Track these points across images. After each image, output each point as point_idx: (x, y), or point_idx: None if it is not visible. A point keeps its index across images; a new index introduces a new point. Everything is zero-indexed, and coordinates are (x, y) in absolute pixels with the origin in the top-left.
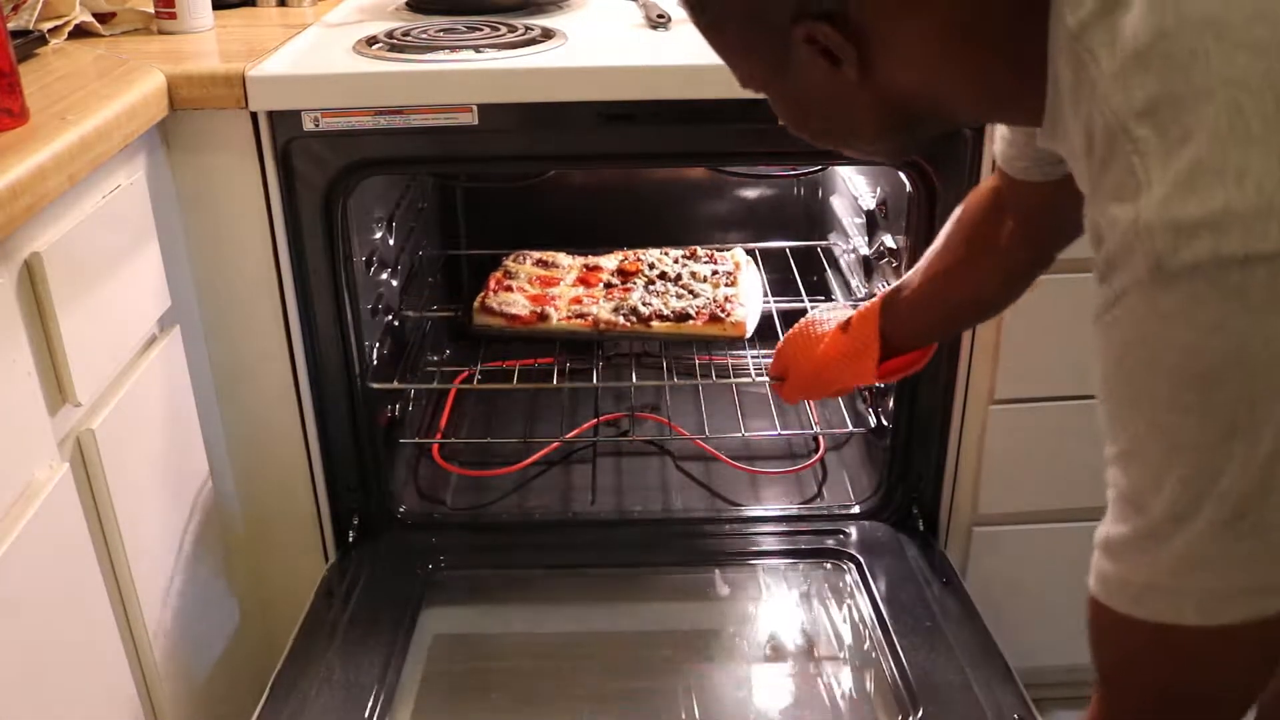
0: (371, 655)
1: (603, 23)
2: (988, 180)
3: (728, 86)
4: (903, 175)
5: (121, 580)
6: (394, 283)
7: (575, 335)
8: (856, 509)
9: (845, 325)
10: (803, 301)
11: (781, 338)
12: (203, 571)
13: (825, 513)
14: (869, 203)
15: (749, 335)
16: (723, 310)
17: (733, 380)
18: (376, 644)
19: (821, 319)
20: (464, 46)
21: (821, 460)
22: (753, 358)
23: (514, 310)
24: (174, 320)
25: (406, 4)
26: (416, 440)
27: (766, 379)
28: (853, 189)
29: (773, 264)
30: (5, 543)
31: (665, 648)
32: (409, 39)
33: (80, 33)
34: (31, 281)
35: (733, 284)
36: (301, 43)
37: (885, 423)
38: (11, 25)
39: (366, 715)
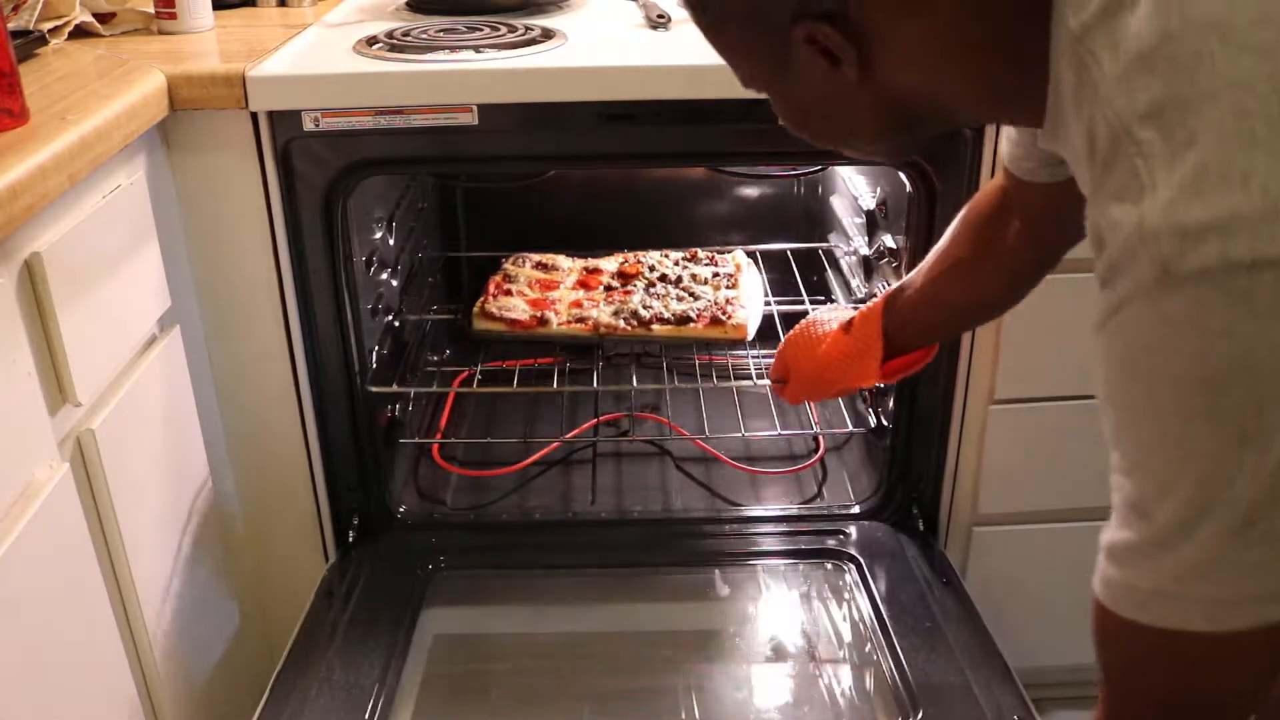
0: (371, 655)
1: (603, 23)
2: (994, 180)
3: (728, 86)
4: (903, 175)
5: (121, 580)
6: (394, 283)
7: (575, 339)
8: (856, 509)
9: (847, 326)
10: (803, 303)
11: (782, 339)
12: (203, 571)
13: (825, 513)
14: (869, 203)
15: (750, 338)
16: (724, 313)
17: (734, 384)
18: (376, 644)
19: (822, 319)
20: (464, 46)
21: (821, 460)
22: (753, 358)
23: (514, 315)
24: (174, 320)
25: (406, 4)
26: (416, 440)
27: (767, 382)
28: (853, 189)
29: (773, 264)
30: (5, 543)
31: (665, 648)
32: (409, 39)
33: (80, 33)
34: (31, 281)
35: (734, 286)
36: (301, 43)
37: (885, 423)
38: (11, 25)
39: (366, 716)
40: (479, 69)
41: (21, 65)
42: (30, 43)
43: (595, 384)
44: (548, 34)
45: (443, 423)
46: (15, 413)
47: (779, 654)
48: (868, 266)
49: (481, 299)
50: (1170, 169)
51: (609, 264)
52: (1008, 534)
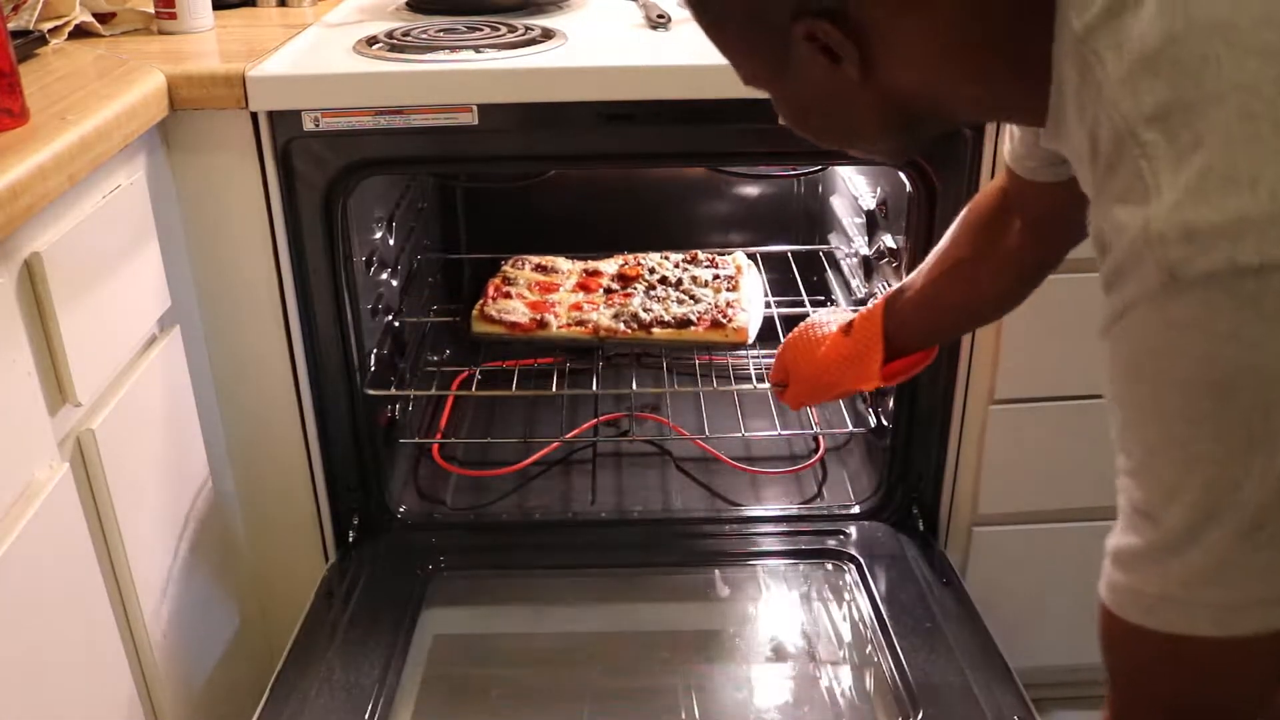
0: (371, 656)
1: (603, 23)
2: (995, 180)
3: (728, 86)
4: (903, 175)
5: (121, 580)
6: (394, 283)
7: (575, 343)
8: (856, 509)
9: (847, 328)
10: (804, 305)
11: (782, 342)
12: (202, 572)
13: (825, 513)
14: (869, 203)
15: (751, 341)
16: (724, 316)
17: (734, 387)
18: (376, 644)
19: (822, 322)
20: (464, 46)
21: (821, 460)
22: (753, 359)
23: (513, 318)
24: (174, 320)
25: (406, 4)
26: (416, 440)
27: (768, 386)
28: (853, 189)
29: (773, 265)
30: (5, 543)
31: (665, 648)
32: (409, 39)
33: (80, 33)
34: (31, 281)
35: (734, 289)
36: (301, 43)
37: (885, 423)
38: (11, 25)
39: (366, 716)
40: (479, 69)
41: (21, 65)
42: (30, 43)
43: (595, 387)
44: (548, 34)
45: (443, 423)
46: (15, 413)
47: (779, 654)
48: (868, 267)
49: (480, 302)
50: (1175, 171)
51: (609, 266)
52: (1008, 534)
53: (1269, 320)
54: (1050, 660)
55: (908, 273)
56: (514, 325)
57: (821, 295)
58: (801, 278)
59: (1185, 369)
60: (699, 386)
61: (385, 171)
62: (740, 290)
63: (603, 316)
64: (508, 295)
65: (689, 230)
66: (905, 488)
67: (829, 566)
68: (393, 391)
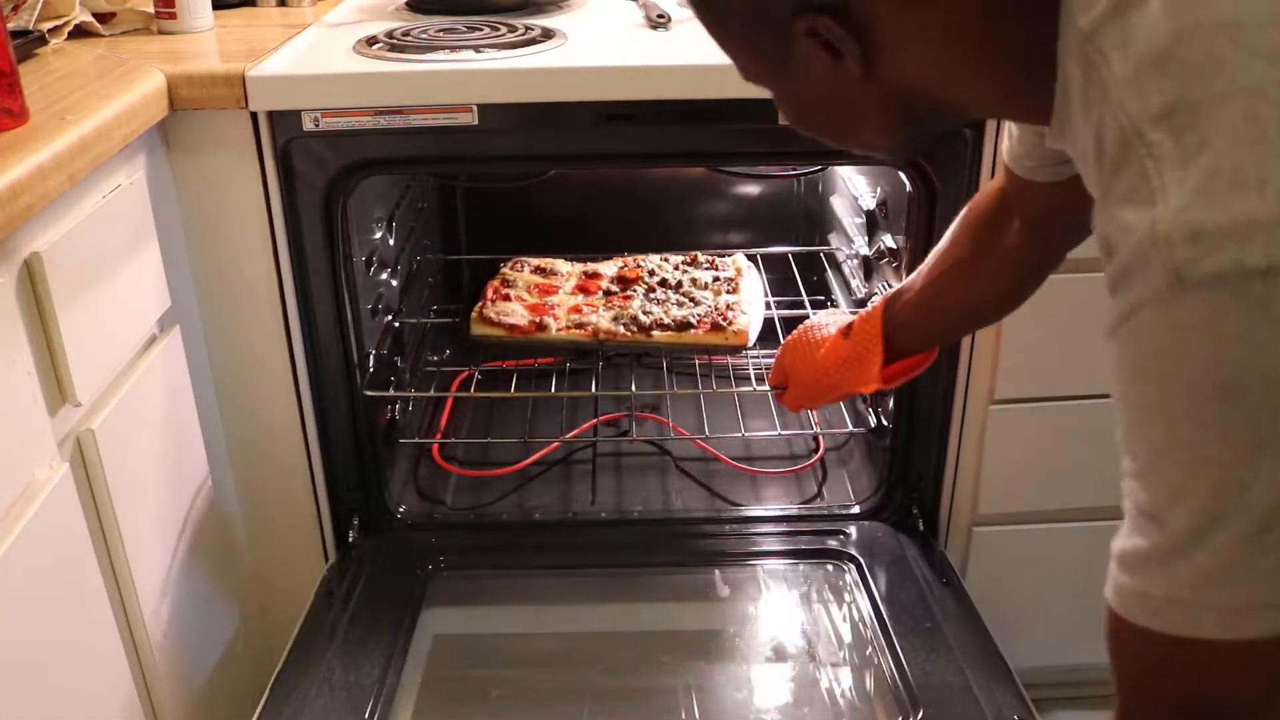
0: (371, 656)
1: (603, 23)
2: (994, 181)
3: (728, 86)
4: (903, 175)
5: (121, 580)
6: (394, 283)
7: (575, 346)
8: (856, 509)
9: (846, 330)
10: (805, 307)
11: (781, 344)
12: (202, 572)
13: (825, 513)
14: (869, 203)
15: (751, 344)
16: (725, 318)
17: (734, 389)
18: (376, 644)
19: (821, 324)
20: (464, 46)
21: (821, 460)
22: (753, 360)
23: (512, 320)
24: (174, 320)
25: (406, 4)
26: (416, 440)
27: (768, 389)
28: (853, 189)
29: (773, 265)
30: (5, 543)
31: (665, 648)
32: (409, 39)
33: (80, 33)
34: (31, 281)
35: (734, 291)
36: (301, 43)
37: (885, 423)
38: (11, 25)
39: (366, 716)
40: (479, 69)
41: (21, 65)
42: (30, 43)
43: (595, 389)
44: (548, 34)
45: (443, 423)
46: (15, 413)
47: (779, 654)
48: (868, 267)
49: (479, 304)
50: (1182, 172)
51: (608, 268)
52: (1008, 534)
53: (1276, 322)
54: (1050, 660)
55: (908, 273)
56: (513, 328)
57: (821, 295)
58: (801, 278)
59: (1192, 371)
60: (699, 388)
61: (385, 171)
62: (740, 293)
63: (602, 319)
64: (506, 298)
65: (689, 230)
66: (905, 488)
67: (829, 566)
68: (392, 393)
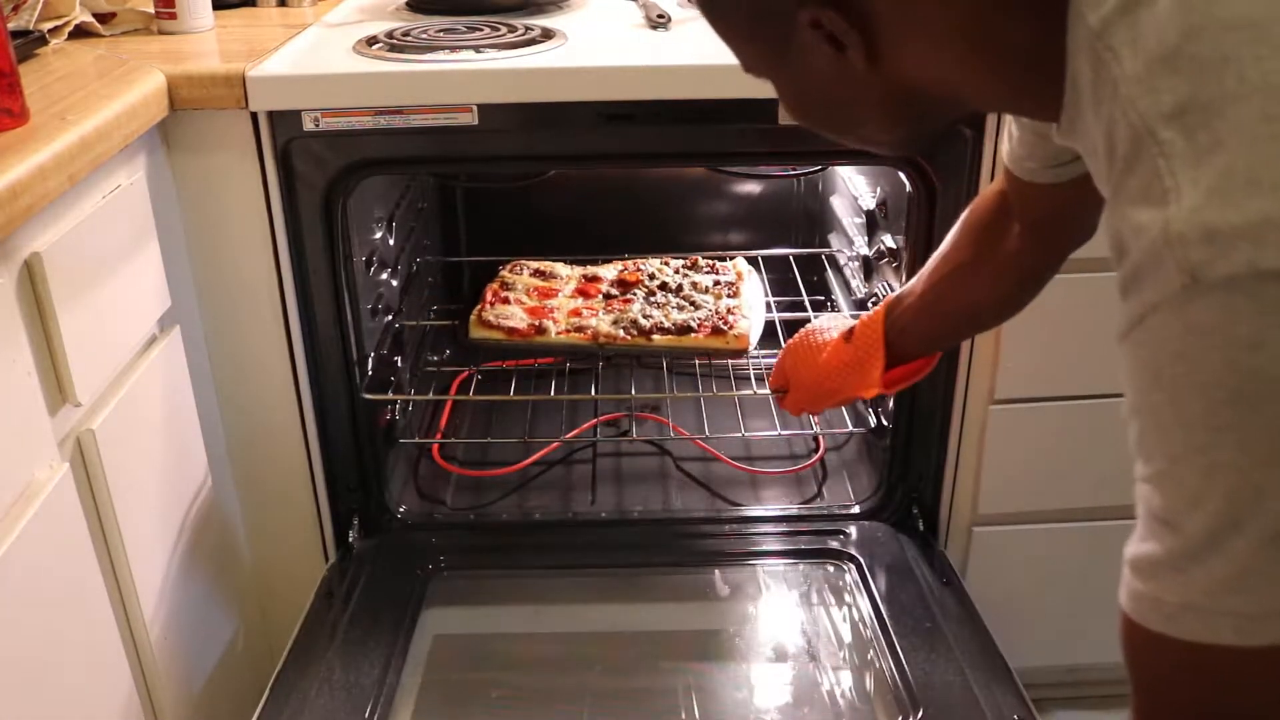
0: (372, 656)
1: (603, 23)
2: (993, 184)
3: (728, 86)
4: (902, 175)
5: (121, 580)
6: (394, 283)
7: (574, 349)
8: (856, 509)
9: (848, 334)
10: (806, 310)
11: (783, 347)
12: (203, 572)
13: (825, 513)
14: (869, 203)
15: (752, 348)
16: (725, 322)
17: (734, 393)
18: (377, 644)
19: (823, 328)
20: (464, 46)
21: (821, 460)
22: (752, 360)
23: (511, 323)
24: (174, 320)
25: (406, 4)
26: (416, 440)
27: (768, 392)
28: (853, 189)
29: (773, 265)
30: (5, 543)
31: (665, 648)
32: (409, 39)
33: (80, 33)
34: (31, 281)
35: (735, 295)
36: (301, 43)
37: (885, 423)
38: (11, 25)
39: (366, 716)
40: (479, 69)
41: (21, 65)
42: (30, 43)
43: (595, 391)
44: (548, 34)
45: (443, 423)
46: (15, 413)
47: (779, 654)
48: (868, 267)
49: (479, 307)
50: (1194, 171)
51: (608, 272)
52: (1008, 534)
53: None
54: (1050, 660)
55: (908, 273)
56: (512, 331)
57: (821, 295)
58: (801, 278)
59: (1206, 375)
60: (699, 392)
61: (385, 171)
62: (741, 296)
63: (602, 322)
64: (505, 300)
65: (689, 230)
66: (905, 488)
67: (829, 567)
68: (391, 396)
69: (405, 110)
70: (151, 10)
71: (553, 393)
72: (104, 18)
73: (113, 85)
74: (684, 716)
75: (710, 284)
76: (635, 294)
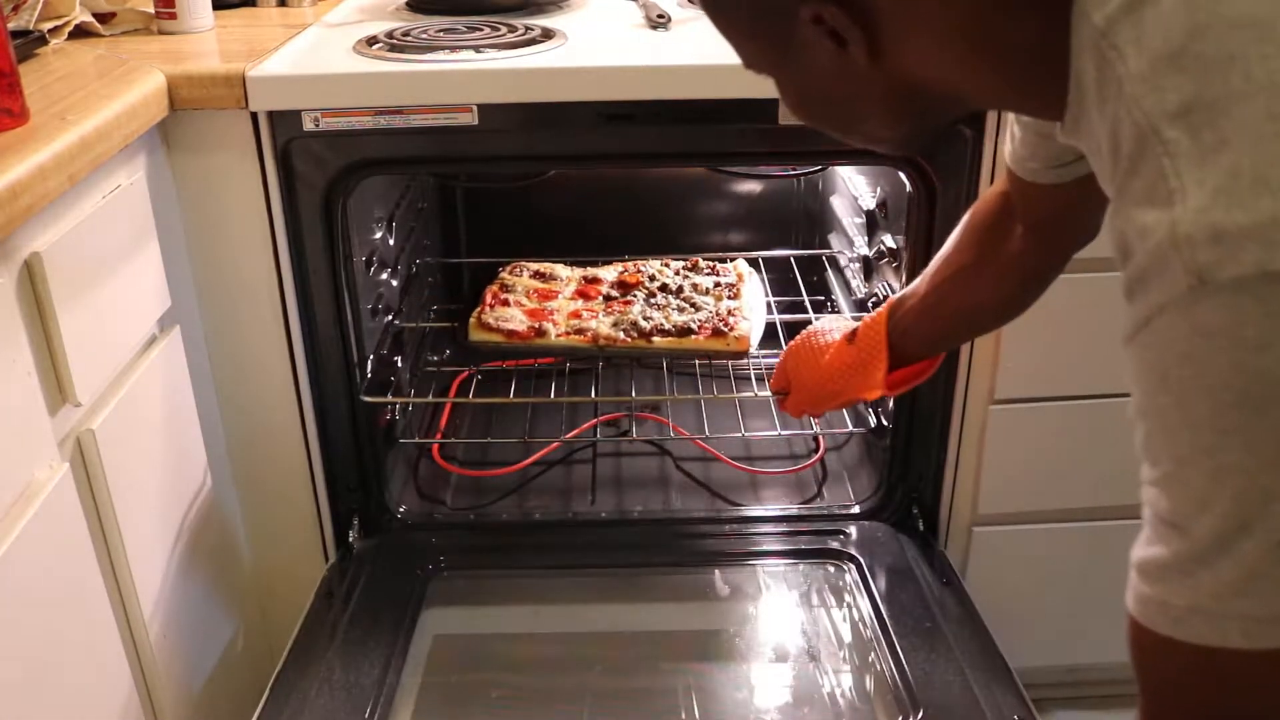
0: (372, 656)
1: (603, 23)
2: (995, 186)
3: (728, 86)
4: (903, 175)
5: (121, 580)
6: (394, 283)
7: (574, 352)
8: (856, 509)
9: (851, 336)
10: (806, 311)
11: (784, 349)
12: (202, 572)
13: (825, 513)
14: (869, 203)
15: (753, 350)
16: (726, 324)
17: (735, 395)
18: (377, 644)
19: (825, 330)
20: (464, 46)
21: (821, 460)
22: (753, 360)
23: (511, 325)
24: (174, 320)
25: (406, 4)
26: (416, 440)
27: (769, 395)
28: (853, 189)
29: (773, 265)
30: (5, 543)
31: (665, 648)
32: (409, 39)
33: (80, 33)
34: (31, 281)
35: (735, 296)
36: (301, 43)
37: (885, 423)
38: (11, 25)
39: (366, 716)
40: (479, 69)
41: (21, 65)
42: (30, 43)
43: (595, 393)
44: (548, 34)
45: (443, 423)
46: (15, 413)
47: (779, 654)
48: (868, 267)
49: (478, 309)
50: (1200, 171)
51: (608, 273)
52: (1008, 534)
53: None
54: (1050, 660)
55: (908, 273)
56: (511, 333)
57: (821, 295)
58: (802, 278)
59: (1213, 377)
60: (700, 394)
61: (385, 171)
62: (742, 298)
63: (602, 324)
64: (505, 303)
65: (689, 230)
66: (905, 488)
67: (829, 567)
68: (390, 398)
69: (405, 110)
70: (151, 10)
71: (553, 393)
72: (104, 18)
73: (113, 85)
74: (684, 716)
75: (711, 285)
76: (635, 296)
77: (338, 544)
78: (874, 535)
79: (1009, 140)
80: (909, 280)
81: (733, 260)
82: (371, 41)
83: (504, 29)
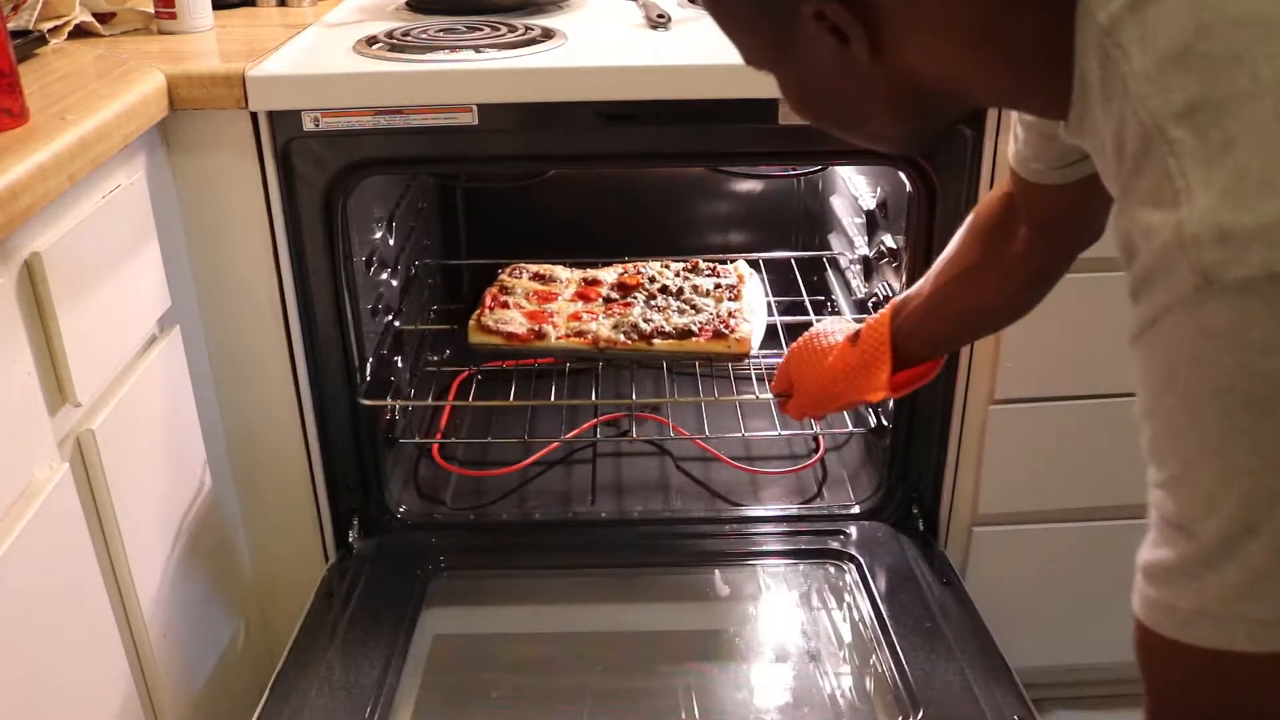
0: (372, 656)
1: (603, 23)
2: (999, 186)
3: (728, 86)
4: (903, 175)
5: (121, 580)
6: (394, 283)
7: (574, 354)
8: (856, 509)
9: (854, 337)
10: (807, 312)
11: (785, 349)
12: (202, 572)
13: (825, 513)
14: (869, 203)
15: (754, 352)
16: (726, 326)
17: (735, 397)
18: (377, 644)
19: (827, 331)
20: (464, 46)
21: (821, 460)
22: (754, 362)
23: (510, 328)
24: (174, 320)
25: (406, 4)
26: (416, 440)
27: (770, 396)
28: (853, 189)
29: (773, 266)
30: (5, 543)
31: (665, 648)
32: (409, 39)
33: (80, 33)
34: (31, 281)
35: (736, 298)
36: (301, 43)
37: (885, 423)
38: (11, 25)
39: (366, 716)
40: (479, 69)
41: (21, 65)
42: (30, 43)
43: (595, 395)
44: (548, 34)
45: (443, 423)
46: (15, 413)
47: (779, 654)
48: (868, 267)
49: (478, 311)
50: (1206, 172)
51: (608, 275)
52: (1008, 534)
53: None
54: (1050, 660)
55: (908, 273)
56: (511, 336)
57: (821, 295)
58: (802, 278)
59: (1220, 378)
60: (700, 396)
61: (385, 171)
62: (742, 300)
63: (602, 327)
64: (505, 305)
65: (689, 230)
66: (905, 488)
67: (829, 567)
68: (389, 401)
69: (405, 110)
70: (151, 10)
71: (553, 394)
72: (104, 18)
73: (112, 85)
74: (684, 716)
75: (711, 287)
76: (636, 297)
77: (338, 544)
78: (874, 535)
79: (1012, 141)
80: (909, 280)
81: (733, 261)
82: (371, 41)
83: (504, 29)
